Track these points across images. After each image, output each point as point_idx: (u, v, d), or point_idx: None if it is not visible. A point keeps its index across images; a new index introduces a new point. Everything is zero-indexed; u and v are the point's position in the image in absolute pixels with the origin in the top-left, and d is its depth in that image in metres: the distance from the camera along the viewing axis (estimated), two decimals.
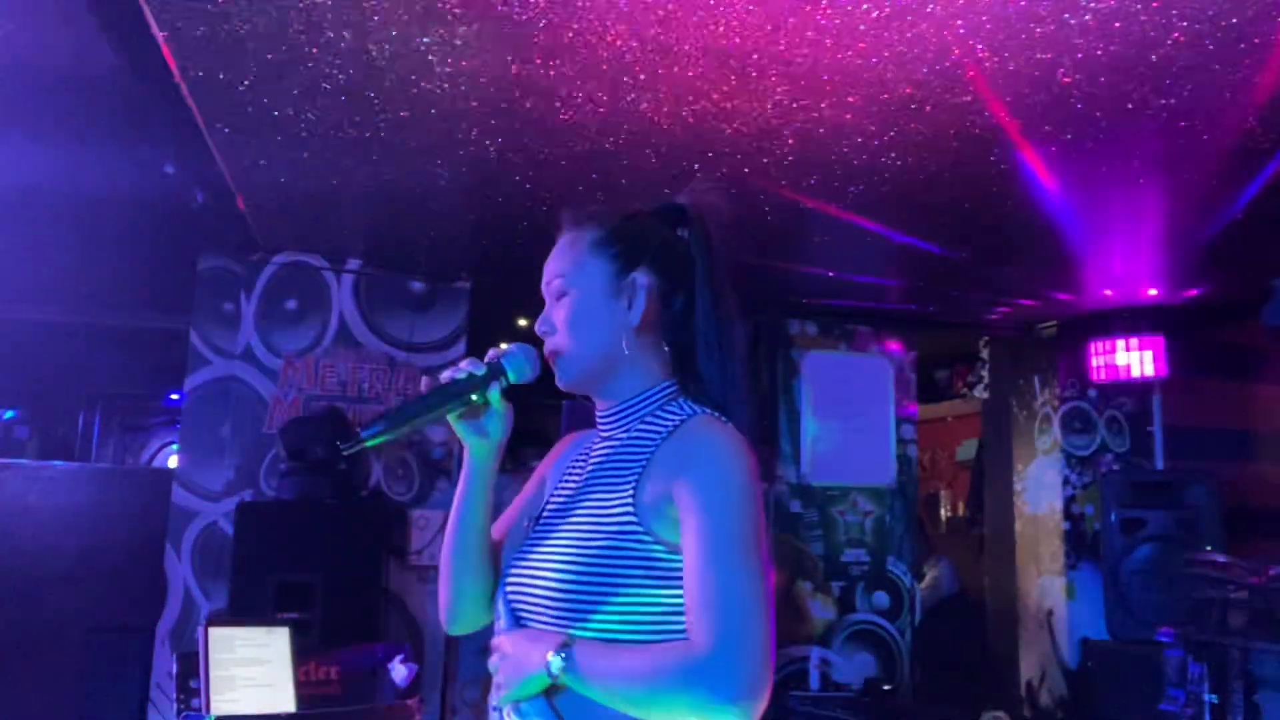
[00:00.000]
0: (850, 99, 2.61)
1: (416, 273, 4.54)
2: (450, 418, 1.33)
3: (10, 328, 5.63)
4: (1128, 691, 4.43)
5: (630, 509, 1.25)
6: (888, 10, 2.17)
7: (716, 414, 1.30)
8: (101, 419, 6.99)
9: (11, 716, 4.14)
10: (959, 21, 2.21)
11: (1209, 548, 4.20)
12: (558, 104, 2.67)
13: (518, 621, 1.30)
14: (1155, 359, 4.84)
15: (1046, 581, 5.13)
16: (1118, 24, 2.20)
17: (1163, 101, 2.58)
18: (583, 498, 1.33)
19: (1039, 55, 2.35)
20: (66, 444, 6.73)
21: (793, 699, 4.41)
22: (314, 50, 2.42)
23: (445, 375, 1.33)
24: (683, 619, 1.21)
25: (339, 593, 3.68)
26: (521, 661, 1.23)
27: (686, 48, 2.35)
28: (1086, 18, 2.18)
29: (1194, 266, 4.16)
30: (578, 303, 1.35)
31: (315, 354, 4.38)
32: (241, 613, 3.56)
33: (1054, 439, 5.18)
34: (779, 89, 2.55)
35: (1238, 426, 5.04)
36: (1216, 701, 3.59)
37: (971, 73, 2.44)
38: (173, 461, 5.30)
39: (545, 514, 1.39)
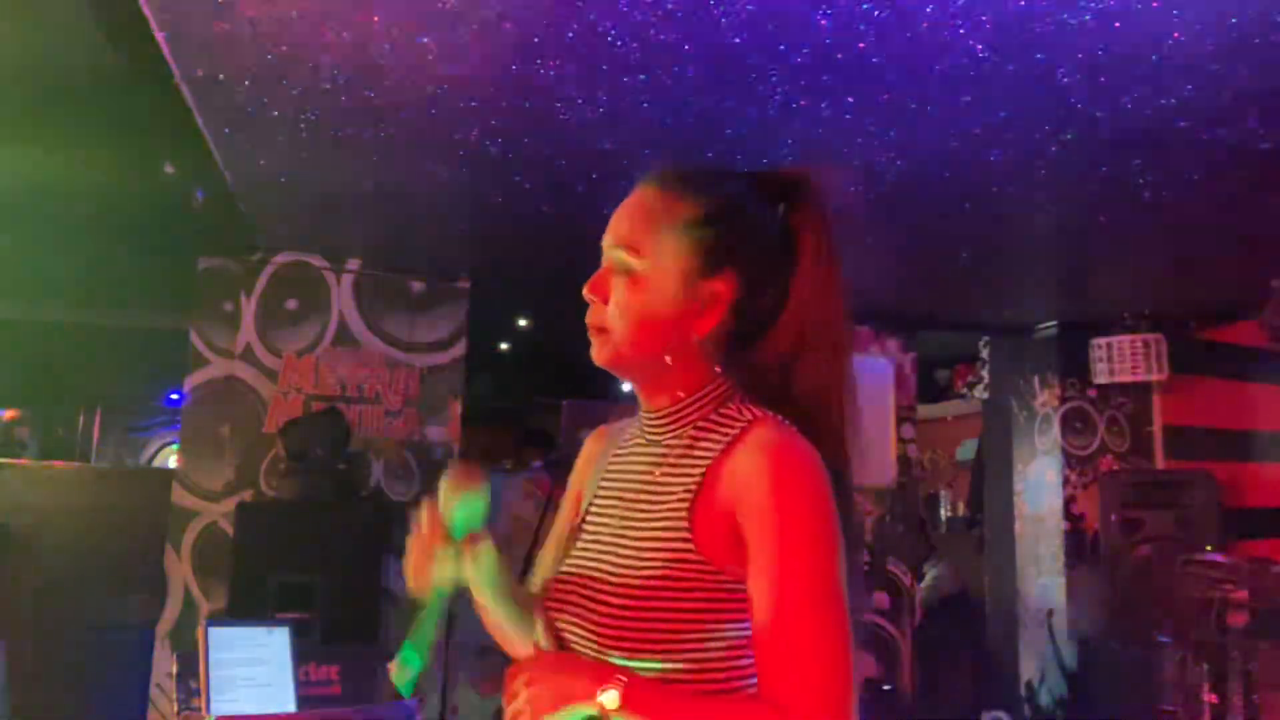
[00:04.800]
0: (850, 99, 2.61)
1: (416, 273, 4.53)
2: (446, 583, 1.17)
3: (10, 328, 5.63)
4: (1128, 691, 4.43)
5: (686, 531, 1.10)
6: (888, 10, 2.16)
7: (779, 418, 1.13)
8: (102, 419, 7.00)
9: (12, 716, 4.13)
10: (959, 21, 2.21)
11: (1208, 548, 4.21)
12: (558, 104, 2.67)
13: (560, 645, 1.18)
14: (1155, 359, 4.84)
15: (1046, 581, 5.13)
16: (1118, 24, 2.20)
17: (1163, 101, 2.58)
18: (630, 513, 1.18)
19: (1039, 55, 2.35)
20: (66, 444, 6.74)
21: None
22: (314, 50, 2.42)
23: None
24: (745, 655, 1.09)
25: (339, 593, 3.68)
26: (556, 691, 1.07)
27: (686, 48, 2.35)
28: (1086, 18, 2.18)
29: (1194, 266, 4.16)
30: (645, 289, 1.15)
31: (315, 354, 4.38)
32: (241, 613, 3.56)
33: (1054, 439, 5.18)
34: (779, 89, 2.55)
35: (1237, 426, 5.04)
36: (1216, 701, 3.59)
37: (971, 73, 2.44)
38: (173, 461, 5.30)
39: (587, 525, 1.24)
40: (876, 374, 5.22)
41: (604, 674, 1.05)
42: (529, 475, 4.72)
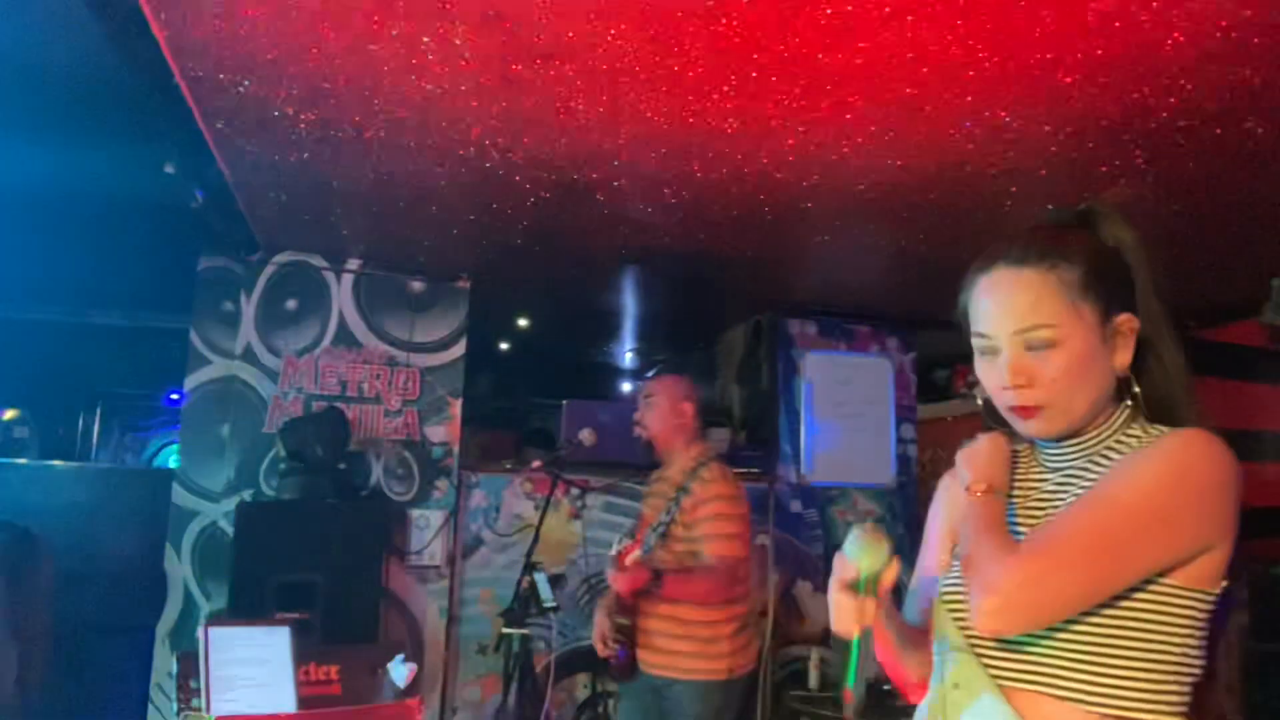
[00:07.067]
0: (850, 99, 2.60)
1: (416, 273, 4.54)
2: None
3: (10, 328, 5.63)
4: None
5: None
6: (888, 10, 2.16)
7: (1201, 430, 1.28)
8: (101, 419, 7.01)
9: (11, 716, 4.14)
10: (959, 21, 2.21)
11: None
12: (558, 104, 2.67)
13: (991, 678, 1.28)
14: None
15: None
16: (1118, 24, 2.20)
17: (1162, 101, 2.58)
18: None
19: (1039, 55, 2.35)
20: (66, 444, 6.74)
21: (793, 699, 4.42)
22: (314, 50, 2.42)
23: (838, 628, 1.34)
24: (1183, 657, 1.25)
25: (339, 593, 3.68)
26: None
27: (686, 48, 2.35)
28: (1086, 18, 2.18)
29: (1193, 266, 4.16)
30: (1075, 356, 1.29)
31: (315, 354, 4.38)
32: (241, 613, 3.56)
33: None
34: (779, 89, 2.55)
35: (1237, 426, 5.03)
36: None
37: (971, 73, 2.44)
38: (173, 461, 5.30)
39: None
40: (876, 374, 5.22)
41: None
42: (529, 475, 4.71)
